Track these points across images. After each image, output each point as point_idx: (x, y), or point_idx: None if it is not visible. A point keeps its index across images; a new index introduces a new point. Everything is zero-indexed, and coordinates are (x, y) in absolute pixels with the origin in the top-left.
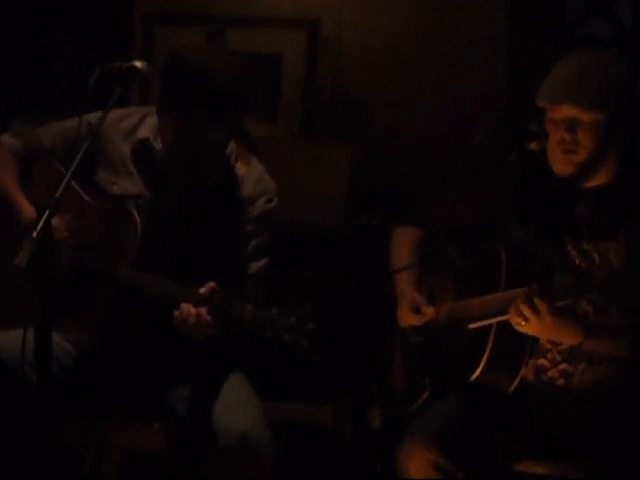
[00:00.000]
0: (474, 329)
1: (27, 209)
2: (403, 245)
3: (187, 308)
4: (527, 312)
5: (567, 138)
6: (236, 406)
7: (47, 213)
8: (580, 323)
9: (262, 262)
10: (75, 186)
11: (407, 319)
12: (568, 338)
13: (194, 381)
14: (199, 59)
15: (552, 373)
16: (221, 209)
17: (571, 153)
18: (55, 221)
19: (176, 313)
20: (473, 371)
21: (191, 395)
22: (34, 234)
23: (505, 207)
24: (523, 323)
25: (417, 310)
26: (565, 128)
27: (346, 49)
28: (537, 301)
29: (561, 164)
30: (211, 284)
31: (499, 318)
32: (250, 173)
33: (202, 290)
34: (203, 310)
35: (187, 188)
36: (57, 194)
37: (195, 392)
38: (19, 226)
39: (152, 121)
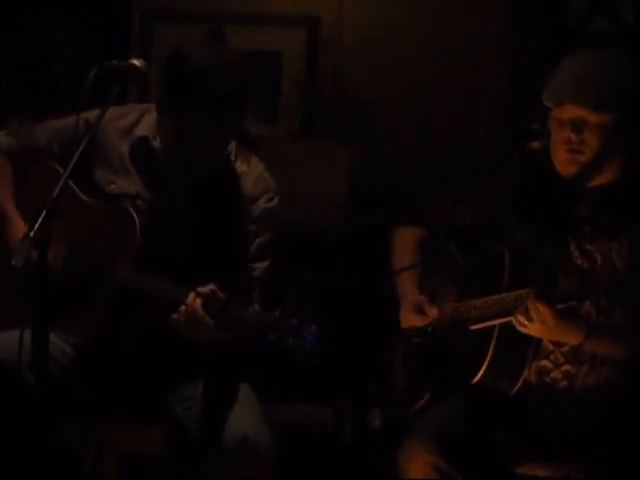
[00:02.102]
0: (476, 330)
1: (17, 224)
2: (404, 245)
3: (192, 299)
4: (529, 314)
5: (573, 138)
6: (236, 408)
7: (44, 213)
8: (582, 325)
9: (265, 263)
10: (72, 186)
11: (409, 320)
12: (569, 339)
13: (204, 385)
14: (200, 60)
15: (555, 375)
16: (222, 208)
17: (576, 153)
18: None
19: (182, 308)
20: (475, 373)
21: (202, 398)
22: (31, 234)
23: (506, 207)
24: (526, 323)
25: (420, 311)
26: (571, 129)
27: (346, 48)
28: (539, 304)
29: (565, 164)
30: (210, 286)
31: (501, 320)
32: (250, 172)
33: (200, 288)
34: (204, 312)
35: (187, 187)
36: (54, 193)
37: (205, 396)
38: (7, 240)
39: (150, 119)
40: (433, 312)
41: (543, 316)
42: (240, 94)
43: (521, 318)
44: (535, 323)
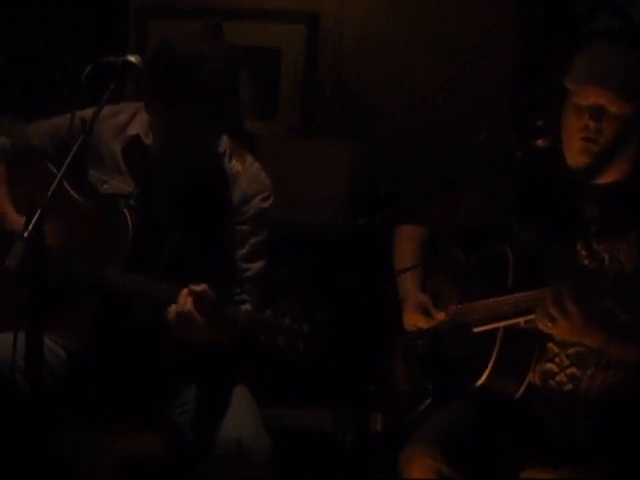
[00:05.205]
0: (480, 333)
1: (12, 217)
2: (406, 245)
3: (183, 298)
4: (556, 313)
5: (591, 126)
6: (231, 412)
7: (39, 213)
8: (604, 330)
9: (259, 263)
10: (66, 185)
11: (413, 320)
12: (591, 341)
13: (197, 388)
14: (189, 51)
15: (560, 378)
16: (214, 208)
17: (590, 142)
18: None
19: (173, 306)
20: (478, 376)
21: (195, 402)
22: (25, 234)
23: (509, 206)
24: (550, 325)
25: (425, 312)
26: (590, 116)
27: (346, 44)
28: (567, 303)
29: (577, 153)
30: (203, 285)
31: (511, 321)
32: (245, 171)
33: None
34: (195, 311)
35: (179, 186)
36: (49, 193)
37: (198, 399)
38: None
39: (143, 117)
40: (440, 316)
41: (571, 316)
42: (231, 87)
43: (545, 318)
44: (561, 323)
